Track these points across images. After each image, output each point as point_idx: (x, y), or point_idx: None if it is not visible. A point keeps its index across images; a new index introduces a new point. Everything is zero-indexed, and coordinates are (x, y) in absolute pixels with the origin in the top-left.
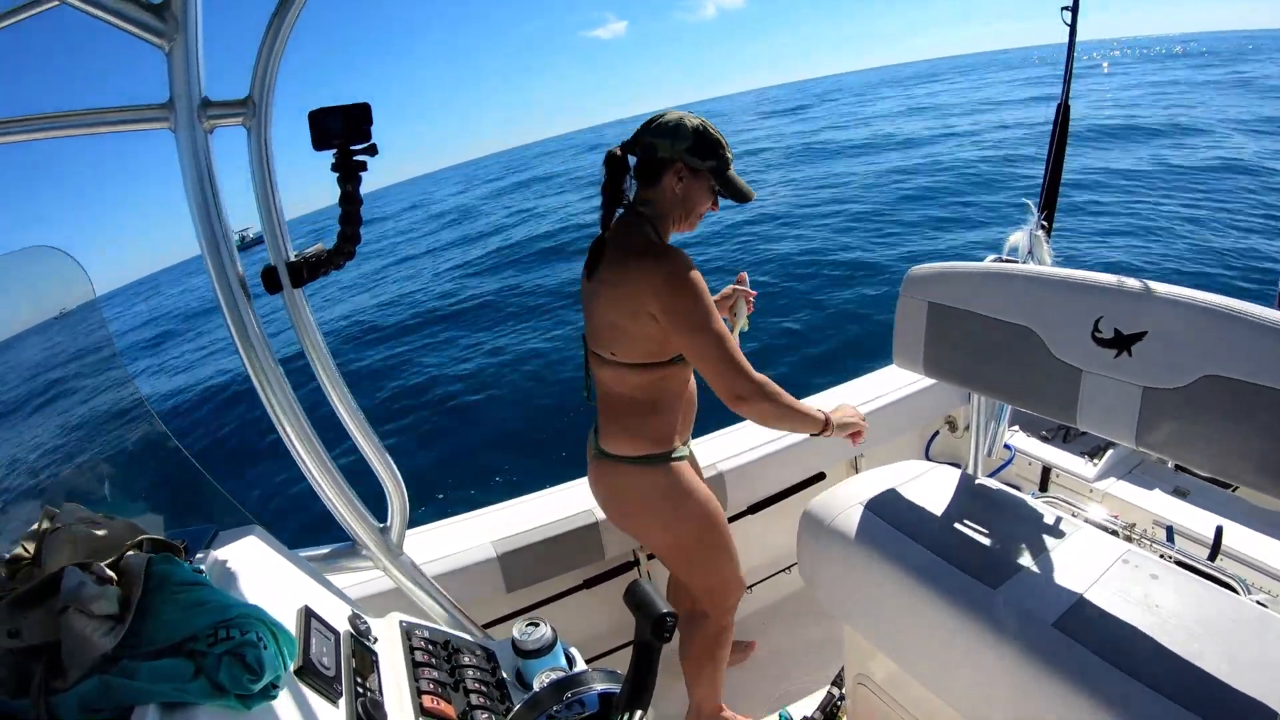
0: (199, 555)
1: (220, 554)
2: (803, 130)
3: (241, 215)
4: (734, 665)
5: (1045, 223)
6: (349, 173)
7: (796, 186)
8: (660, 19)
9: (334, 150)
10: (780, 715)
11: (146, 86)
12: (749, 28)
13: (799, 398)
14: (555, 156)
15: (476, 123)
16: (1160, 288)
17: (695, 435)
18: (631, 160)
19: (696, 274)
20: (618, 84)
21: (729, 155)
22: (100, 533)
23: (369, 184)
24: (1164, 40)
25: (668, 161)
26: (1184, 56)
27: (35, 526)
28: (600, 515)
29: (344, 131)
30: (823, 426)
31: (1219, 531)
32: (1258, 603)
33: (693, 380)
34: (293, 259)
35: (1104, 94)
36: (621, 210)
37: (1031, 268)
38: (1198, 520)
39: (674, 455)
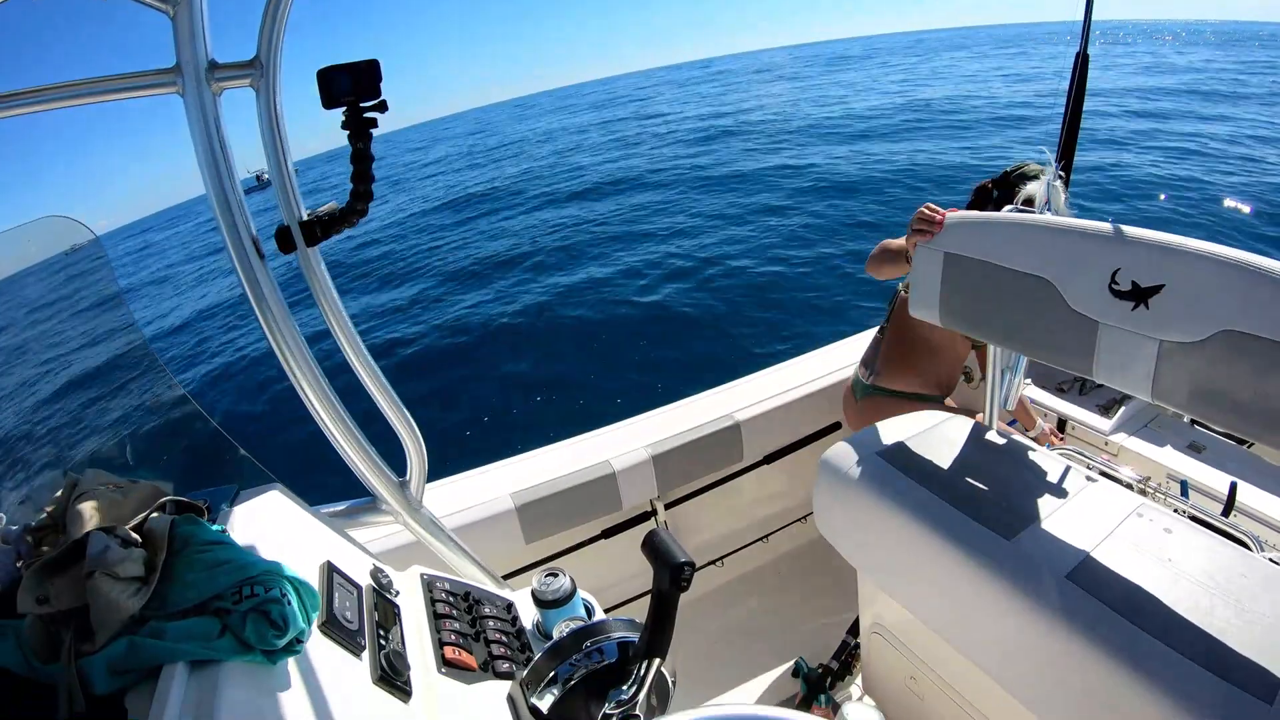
0: (221, 514)
1: (242, 513)
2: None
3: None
4: None
5: (1063, 173)
6: (359, 130)
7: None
8: None
9: (344, 108)
10: (797, 663)
11: (155, 55)
12: None
13: (803, 349)
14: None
15: (480, 71)
16: (1179, 240)
17: (710, 386)
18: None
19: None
20: (620, 38)
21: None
22: (123, 496)
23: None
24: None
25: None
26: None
27: (59, 493)
28: (617, 466)
29: (353, 89)
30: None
31: (1233, 488)
32: (1270, 560)
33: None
34: (305, 218)
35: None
36: None
37: (1048, 218)
38: (1212, 476)
39: (944, 401)
